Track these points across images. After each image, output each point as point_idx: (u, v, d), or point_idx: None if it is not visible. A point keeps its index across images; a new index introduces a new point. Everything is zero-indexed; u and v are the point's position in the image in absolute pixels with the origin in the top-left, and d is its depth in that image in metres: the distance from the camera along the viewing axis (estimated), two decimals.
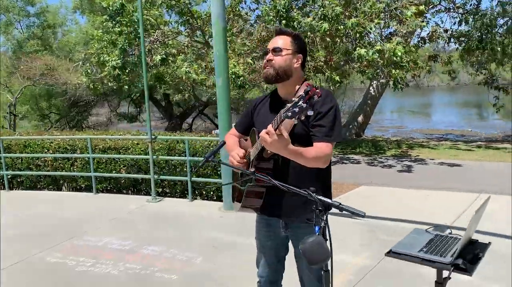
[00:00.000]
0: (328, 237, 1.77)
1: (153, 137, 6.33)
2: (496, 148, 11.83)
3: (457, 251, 1.83)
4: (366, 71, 10.73)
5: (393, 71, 10.52)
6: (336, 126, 2.15)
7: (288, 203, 2.25)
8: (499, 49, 12.04)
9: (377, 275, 3.80)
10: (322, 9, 9.69)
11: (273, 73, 2.19)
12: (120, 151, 6.82)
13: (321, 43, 11.08)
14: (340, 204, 1.72)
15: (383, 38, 10.16)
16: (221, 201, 6.25)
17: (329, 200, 1.77)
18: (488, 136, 18.10)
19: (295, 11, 10.29)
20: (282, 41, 2.21)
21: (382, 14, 9.64)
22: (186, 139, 6.21)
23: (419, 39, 13.36)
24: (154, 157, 6.35)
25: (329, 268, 1.82)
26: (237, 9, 13.15)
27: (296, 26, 9.79)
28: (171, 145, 6.57)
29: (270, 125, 1.94)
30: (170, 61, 12.80)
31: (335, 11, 9.39)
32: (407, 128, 24.47)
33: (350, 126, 15.08)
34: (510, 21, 12.27)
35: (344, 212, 1.71)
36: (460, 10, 13.18)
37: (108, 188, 7.08)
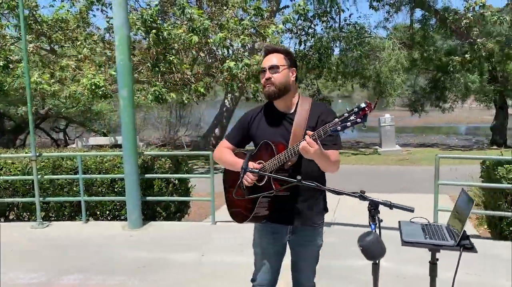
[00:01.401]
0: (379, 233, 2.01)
1: (37, 154, 5.61)
2: (354, 154, 13.65)
3: (460, 235, 2.27)
4: (230, 84, 11.24)
5: (252, 85, 11.32)
6: (339, 135, 2.38)
7: (298, 209, 2.39)
8: (334, 68, 13.98)
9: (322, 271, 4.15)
10: (190, 22, 9.88)
11: (276, 90, 2.31)
12: None
13: (187, 55, 11.26)
14: (391, 202, 1.98)
15: (250, 53, 10.87)
16: (120, 220, 5.91)
17: (380, 200, 2.02)
18: None
19: (158, 23, 10.20)
20: (276, 59, 2.33)
21: (247, 30, 10.29)
22: (78, 155, 5.67)
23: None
24: (39, 177, 5.63)
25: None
26: (86, 16, 12.39)
27: (166, 36, 9.75)
28: (57, 163, 5.90)
29: (307, 136, 2.07)
30: (10, 68, 11.29)
31: (204, 25, 9.69)
32: None
33: (209, 139, 15.46)
34: (343, 45, 14.39)
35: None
36: (301, 33, 14.85)
37: None
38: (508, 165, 5.01)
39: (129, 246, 4.92)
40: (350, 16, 25.52)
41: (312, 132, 2.09)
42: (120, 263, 4.41)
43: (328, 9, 14.61)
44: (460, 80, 15.21)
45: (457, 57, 13.64)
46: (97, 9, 12.64)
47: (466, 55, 13.43)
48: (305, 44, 14.83)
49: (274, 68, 2.30)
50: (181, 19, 10.69)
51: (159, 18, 10.68)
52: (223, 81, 11.40)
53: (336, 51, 15.05)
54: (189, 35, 9.65)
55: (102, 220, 6.00)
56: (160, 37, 9.65)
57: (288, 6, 15.66)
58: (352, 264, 4.22)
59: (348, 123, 1.97)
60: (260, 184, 2.30)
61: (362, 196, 2.03)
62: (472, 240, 2.35)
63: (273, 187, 2.25)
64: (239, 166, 2.30)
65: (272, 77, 2.29)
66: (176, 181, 6.12)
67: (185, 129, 22.20)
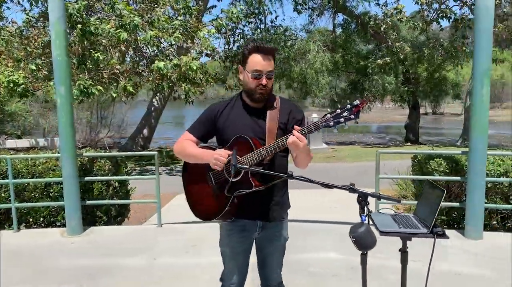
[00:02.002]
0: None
1: None
2: None
3: (433, 223, 2.43)
4: (161, 84, 10.95)
5: (184, 85, 11.14)
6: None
7: (269, 204, 2.40)
8: None
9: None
10: (120, 18, 9.49)
11: (267, 97, 2.31)
12: None
13: (115, 52, 10.79)
14: (379, 194, 2.08)
15: (178, 53, 10.65)
16: (56, 226, 5.53)
17: (369, 192, 2.10)
18: None
19: (84, 17, 9.66)
20: (271, 63, 2.27)
21: (178, 31, 10.07)
22: (8, 158, 5.19)
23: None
24: None
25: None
26: None
27: (93, 31, 9.24)
28: None
29: (295, 131, 2.11)
30: None
31: (134, 21, 9.34)
32: (174, 139, 25.67)
33: (136, 140, 14.89)
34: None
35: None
36: (230, 33, 14.88)
37: None
38: (438, 159, 5.44)
39: (72, 254, 4.61)
40: (276, 18, 26.06)
41: (300, 127, 2.14)
42: (67, 271, 4.12)
43: (256, 11, 14.81)
44: (378, 81, 16.23)
45: (379, 60, 14.55)
46: (12, 1, 11.70)
47: (387, 58, 14.37)
48: (233, 44, 14.92)
49: (270, 75, 2.27)
50: (109, 14, 10.22)
51: (85, 13, 10.11)
52: (153, 81, 11.10)
53: None
54: (118, 31, 9.25)
55: (36, 227, 5.55)
56: (86, 32, 9.11)
57: (215, 6, 15.67)
58: (300, 257, 4.32)
59: (341, 119, 2.04)
60: (235, 180, 2.24)
61: (352, 189, 2.10)
62: None
63: (252, 183, 2.24)
64: (207, 159, 2.26)
65: (267, 84, 2.26)
66: (116, 184, 5.84)
67: (107, 131, 21.23)
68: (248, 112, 2.36)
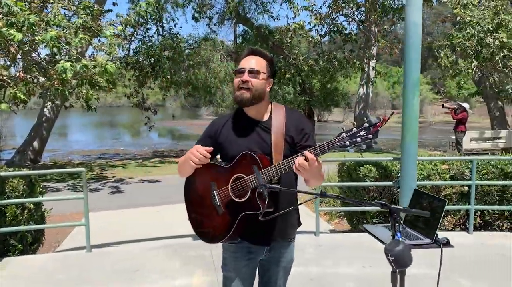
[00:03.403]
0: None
1: None
2: (173, 162, 13.44)
3: (436, 233, 2.49)
4: (60, 89, 9.88)
5: (85, 91, 10.27)
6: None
7: (277, 225, 2.25)
8: (169, 77, 13.72)
9: None
10: (8, 17, 8.38)
11: (250, 97, 2.13)
12: None
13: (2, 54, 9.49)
14: (408, 208, 2.04)
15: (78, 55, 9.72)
16: None
17: (400, 207, 2.05)
18: (140, 153, 20.03)
19: None
20: (258, 63, 2.17)
21: (80, 30, 9.21)
22: None
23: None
24: None
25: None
26: None
27: None
28: None
29: (308, 152, 1.93)
30: None
31: (30, 19, 8.33)
32: (61, 150, 23.54)
33: (25, 153, 13.25)
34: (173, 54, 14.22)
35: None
36: (130, 39, 14.14)
37: None
38: (368, 165, 5.70)
39: None
40: (175, 25, 25.19)
41: (311, 150, 1.96)
42: None
43: (158, 17, 14.29)
44: (278, 91, 16.76)
45: (288, 74, 14.93)
46: None
47: (292, 71, 14.89)
48: (133, 51, 14.20)
49: (254, 73, 2.12)
50: None
51: None
52: (49, 86, 9.96)
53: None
54: (12, 30, 8.15)
55: None
56: None
57: (111, 10, 14.75)
58: None
59: (358, 139, 1.89)
60: (241, 200, 2.10)
61: (383, 205, 2.04)
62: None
63: (259, 204, 2.07)
64: (186, 157, 2.14)
65: (250, 81, 2.10)
66: (32, 206, 5.09)
67: None
68: (252, 124, 2.20)
